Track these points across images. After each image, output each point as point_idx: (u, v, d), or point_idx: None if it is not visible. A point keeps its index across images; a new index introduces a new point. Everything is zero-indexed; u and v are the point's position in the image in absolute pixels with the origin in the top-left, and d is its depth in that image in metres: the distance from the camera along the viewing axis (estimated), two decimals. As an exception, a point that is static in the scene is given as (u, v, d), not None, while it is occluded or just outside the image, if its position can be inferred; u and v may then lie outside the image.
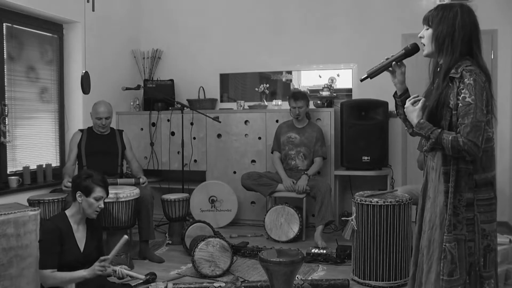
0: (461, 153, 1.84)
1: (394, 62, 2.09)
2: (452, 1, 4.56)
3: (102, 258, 2.65)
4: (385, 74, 2.15)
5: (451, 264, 1.88)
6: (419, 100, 2.00)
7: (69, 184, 3.73)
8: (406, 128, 2.13)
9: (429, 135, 1.91)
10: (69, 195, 3.58)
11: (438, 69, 2.03)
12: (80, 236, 2.76)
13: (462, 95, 1.86)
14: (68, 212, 2.78)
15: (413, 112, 1.99)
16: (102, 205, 2.78)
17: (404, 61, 2.11)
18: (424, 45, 2.04)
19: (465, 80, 1.86)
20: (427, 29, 2.01)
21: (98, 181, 2.78)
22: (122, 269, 2.74)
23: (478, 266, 1.91)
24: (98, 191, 2.75)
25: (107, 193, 2.85)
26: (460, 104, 1.86)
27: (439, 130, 1.89)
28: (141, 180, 4.12)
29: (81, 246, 2.74)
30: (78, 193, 2.73)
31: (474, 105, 1.83)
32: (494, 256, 1.95)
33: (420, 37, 2.05)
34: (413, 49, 2.08)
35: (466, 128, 1.83)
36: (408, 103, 2.03)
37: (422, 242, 2.05)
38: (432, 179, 2.03)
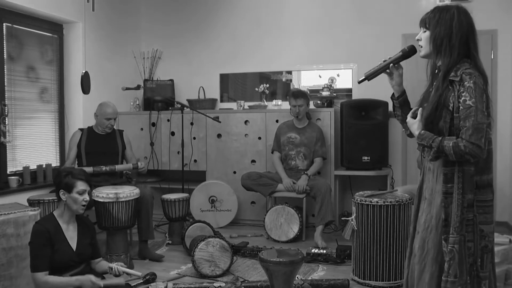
0: (464, 157, 1.85)
1: (391, 64, 2.09)
2: (452, 1, 4.57)
3: (100, 283, 2.61)
4: (384, 75, 2.15)
5: (458, 265, 1.88)
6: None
7: None
8: (403, 129, 2.14)
9: (431, 145, 1.92)
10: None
11: (436, 71, 2.04)
12: (71, 234, 2.75)
13: (463, 98, 1.87)
14: (56, 212, 2.77)
15: (414, 124, 2.01)
16: (87, 198, 2.77)
17: (404, 63, 2.11)
18: (421, 47, 2.04)
19: (465, 83, 1.87)
20: (425, 31, 2.02)
21: (78, 175, 2.77)
22: (118, 266, 2.73)
23: (476, 266, 1.92)
24: (80, 185, 2.74)
25: (90, 186, 2.84)
26: (461, 107, 1.87)
27: (440, 138, 1.90)
28: (139, 164, 4.11)
29: (73, 245, 2.73)
30: (61, 192, 2.73)
31: (475, 108, 1.84)
32: (490, 257, 1.95)
33: (418, 40, 2.06)
34: (410, 51, 2.09)
35: (468, 131, 1.84)
36: (408, 117, 2.04)
37: (415, 242, 2.06)
38: (428, 180, 2.04)
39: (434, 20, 1.97)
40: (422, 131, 1.97)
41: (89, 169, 3.84)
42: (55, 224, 2.71)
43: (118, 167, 4.05)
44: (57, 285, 2.58)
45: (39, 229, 2.65)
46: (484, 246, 1.92)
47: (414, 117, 2.03)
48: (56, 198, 3.78)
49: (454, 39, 1.93)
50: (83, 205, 2.75)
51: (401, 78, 2.12)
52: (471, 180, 1.90)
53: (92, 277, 2.59)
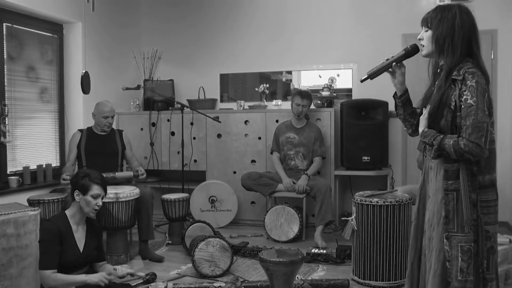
0: (464, 156, 1.85)
1: (394, 63, 2.09)
2: (453, 0, 4.56)
3: (113, 272, 2.64)
4: (386, 74, 2.16)
5: (474, 263, 1.88)
6: None
7: (67, 178, 3.74)
8: (405, 129, 2.13)
9: (432, 142, 1.92)
10: (68, 195, 3.58)
11: (439, 70, 2.04)
12: (79, 236, 2.76)
13: (464, 97, 1.87)
14: (68, 212, 2.78)
15: (420, 121, 2.02)
16: (100, 203, 2.77)
17: (405, 62, 2.11)
18: (423, 46, 2.04)
19: (467, 82, 1.87)
20: (426, 30, 2.02)
21: (95, 179, 2.78)
22: (122, 268, 2.74)
23: (482, 268, 1.90)
24: (95, 189, 2.75)
25: (105, 191, 2.84)
26: (462, 106, 1.87)
27: (441, 136, 1.90)
28: (139, 172, 4.11)
29: (81, 246, 2.74)
30: (76, 192, 2.74)
31: (475, 107, 1.84)
32: (496, 258, 1.95)
33: (419, 39, 2.05)
34: (413, 50, 2.09)
35: (468, 130, 1.84)
36: (421, 117, 2.05)
37: (424, 241, 2.05)
38: (430, 179, 2.04)
39: (436, 19, 1.96)
40: (426, 129, 1.98)
41: None
42: (67, 224, 2.72)
43: (119, 174, 4.04)
44: (65, 282, 2.59)
45: (51, 227, 2.65)
46: (490, 247, 1.91)
47: None
48: (57, 198, 3.85)
49: (457, 38, 1.93)
50: (95, 209, 2.76)
51: (404, 76, 2.12)
52: (473, 179, 1.90)
53: (103, 275, 2.61)
